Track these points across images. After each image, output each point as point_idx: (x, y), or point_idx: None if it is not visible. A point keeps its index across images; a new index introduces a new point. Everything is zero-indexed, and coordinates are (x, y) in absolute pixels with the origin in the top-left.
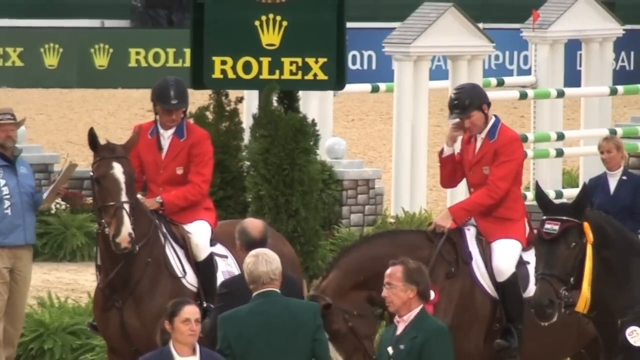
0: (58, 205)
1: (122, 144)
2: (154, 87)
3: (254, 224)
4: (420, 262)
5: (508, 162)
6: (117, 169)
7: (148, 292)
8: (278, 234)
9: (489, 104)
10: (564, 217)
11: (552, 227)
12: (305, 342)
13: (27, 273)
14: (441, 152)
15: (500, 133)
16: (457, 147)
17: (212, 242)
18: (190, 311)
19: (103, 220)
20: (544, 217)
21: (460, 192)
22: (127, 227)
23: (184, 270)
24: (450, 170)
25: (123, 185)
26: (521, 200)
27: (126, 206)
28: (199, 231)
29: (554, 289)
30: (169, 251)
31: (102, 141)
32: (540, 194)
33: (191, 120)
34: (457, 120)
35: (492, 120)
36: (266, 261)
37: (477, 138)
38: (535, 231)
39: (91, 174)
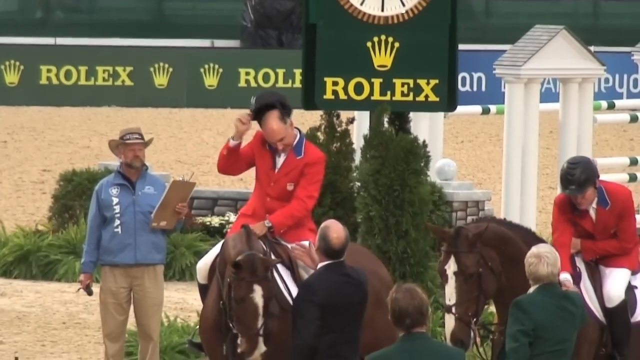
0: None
1: (263, 258)
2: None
3: (337, 234)
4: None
5: (630, 218)
6: (257, 294)
7: None
8: (374, 256)
9: (599, 177)
10: None
11: None
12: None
13: (148, 292)
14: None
15: (612, 198)
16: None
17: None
18: None
19: (235, 329)
20: None
21: None
22: (260, 349)
23: (292, 296)
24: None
25: (261, 311)
26: (635, 231)
27: (261, 331)
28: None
29: None
30: (277, 277)
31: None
32: None
33: None
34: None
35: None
36: (547, 263)
37: (589, 210)
38: None
39: (228, 286)
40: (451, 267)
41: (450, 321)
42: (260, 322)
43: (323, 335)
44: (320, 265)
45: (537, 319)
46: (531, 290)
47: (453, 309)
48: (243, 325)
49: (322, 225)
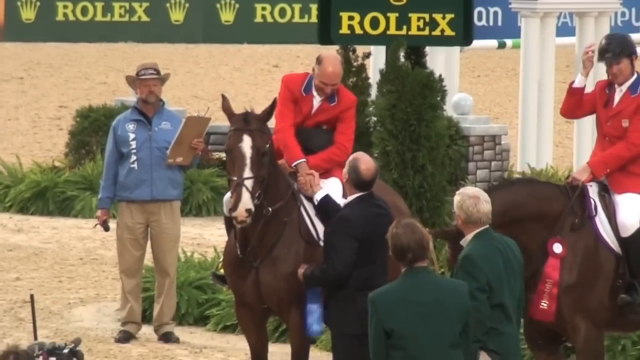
0: None
1: (258, 114)
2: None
3: (367, 165)
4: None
5: None
6: (246, 143)
7: (285, 252)
8: (392, 189)
9: (637, 56)
10: None
11: None
12: (519, 278)
13: (165, 228)
14: (572, 82)
15: None
16: (588, 85)
17: (345, 196)
18: None
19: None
20: None
21: (586, 147)
22: (244, 203)
23: (317, 232)
24: (576, 103)
25: (248, 161)
26: None
27: (247, 183)
28: (333, 189)
29: None
30: (304, 213)
31: (245, 109)
32: None
33: None
34: (593, 46)
35: (634, 76)
36: (485, 201)
37: (616, 90)
38: None
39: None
40: None
41: None
42: (247, 172)
43: (359, 267)
44: (350, 197)
45: (488, 271)
46: (468, 238)
47: None
48: (232, 180)
49: (351, 157)
